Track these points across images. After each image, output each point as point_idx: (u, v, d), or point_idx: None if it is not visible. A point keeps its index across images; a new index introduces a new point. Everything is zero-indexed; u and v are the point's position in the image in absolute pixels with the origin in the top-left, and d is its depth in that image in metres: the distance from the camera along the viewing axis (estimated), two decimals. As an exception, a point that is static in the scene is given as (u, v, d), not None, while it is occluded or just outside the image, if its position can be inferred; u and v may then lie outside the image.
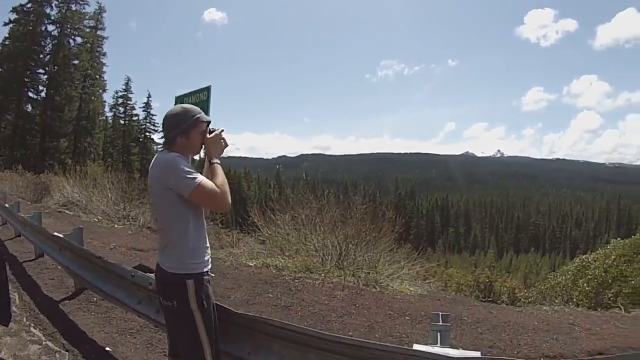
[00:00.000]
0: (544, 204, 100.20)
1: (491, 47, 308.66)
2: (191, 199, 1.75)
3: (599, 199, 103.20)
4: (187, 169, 1.73)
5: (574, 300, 5.99)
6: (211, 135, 1.92)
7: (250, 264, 5.28)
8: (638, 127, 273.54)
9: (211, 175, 1.84)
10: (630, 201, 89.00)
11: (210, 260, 1.90)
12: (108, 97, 42.80)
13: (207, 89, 4.72)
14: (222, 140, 1.95)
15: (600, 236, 72.91)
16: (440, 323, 2.30)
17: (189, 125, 1.85)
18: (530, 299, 7.51)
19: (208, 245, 1.91)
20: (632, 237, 6.98)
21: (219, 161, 1.91)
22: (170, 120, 1.86)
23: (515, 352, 3.34)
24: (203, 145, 1.93)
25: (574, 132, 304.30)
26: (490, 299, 6.90)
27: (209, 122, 1.93)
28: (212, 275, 1.94)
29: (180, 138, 1.85)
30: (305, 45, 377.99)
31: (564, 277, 7.01)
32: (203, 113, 1.93)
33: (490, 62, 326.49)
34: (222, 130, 1.96)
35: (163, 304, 1.89)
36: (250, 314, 2.18)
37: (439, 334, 2.25)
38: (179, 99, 5.01)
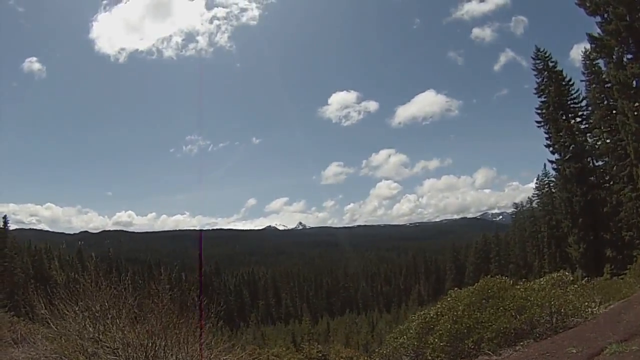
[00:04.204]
0: (351, 267, 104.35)
1: (294, 126, 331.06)
2: None
3: (404, 256, 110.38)
4: None
5: (429, 357, 5.98)
6: None
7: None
8: (434, 189, 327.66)
9: None
10: (434, 253, 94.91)
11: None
12: None
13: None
14: None
15: (412, 287, 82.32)
16: None
17: None
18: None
19: None
20: (474, 285, 7.05)
21: None
22: None
23: None
24: None
25: (374, 200, 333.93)
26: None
27: None
28: None
29: None
30: (109, 113, 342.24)
31: (405, 337, 6.89)
32: None
33: (292, 140, 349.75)
34: None
35: None
36: None
37: None
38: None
